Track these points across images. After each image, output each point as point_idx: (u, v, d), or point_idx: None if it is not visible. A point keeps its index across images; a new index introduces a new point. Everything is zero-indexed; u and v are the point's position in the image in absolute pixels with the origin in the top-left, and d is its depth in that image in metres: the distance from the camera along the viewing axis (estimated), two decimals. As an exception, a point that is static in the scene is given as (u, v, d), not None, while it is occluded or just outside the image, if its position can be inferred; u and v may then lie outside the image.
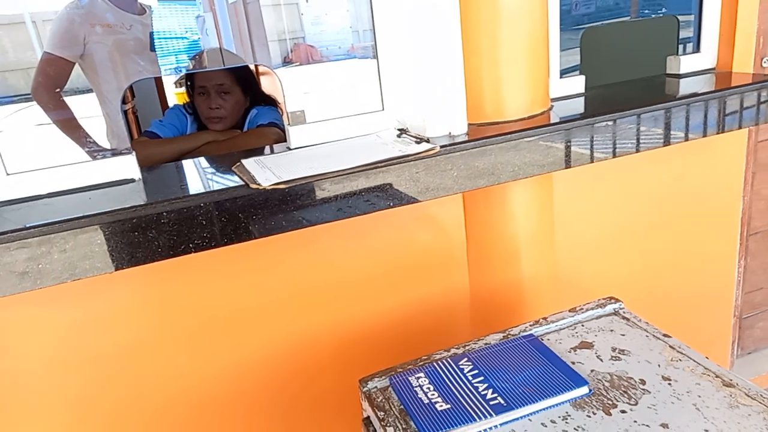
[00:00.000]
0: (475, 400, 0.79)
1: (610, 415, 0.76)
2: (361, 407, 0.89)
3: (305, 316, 1.24)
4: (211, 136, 1.85)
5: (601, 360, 0.87)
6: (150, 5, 2.12)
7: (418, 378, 0.86)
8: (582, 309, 1.01)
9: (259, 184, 0.97)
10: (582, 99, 1.41)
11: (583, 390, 0.80)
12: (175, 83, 2.82)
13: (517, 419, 0.77)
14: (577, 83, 1.43)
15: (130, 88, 2.61)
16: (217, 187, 1.01)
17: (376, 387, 0.87)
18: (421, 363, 0.90)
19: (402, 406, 0.82)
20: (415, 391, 0.83)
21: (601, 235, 1.51)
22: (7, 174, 1.03)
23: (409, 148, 1.09)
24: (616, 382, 0.82)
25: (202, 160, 1.26)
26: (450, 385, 0.84)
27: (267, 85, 2.16)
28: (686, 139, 1.33)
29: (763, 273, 2.00)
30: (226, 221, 0.97)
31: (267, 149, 1.26)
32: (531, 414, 0.77)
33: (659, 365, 0.85)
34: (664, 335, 0.92)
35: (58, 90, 1.92)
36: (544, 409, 0.78)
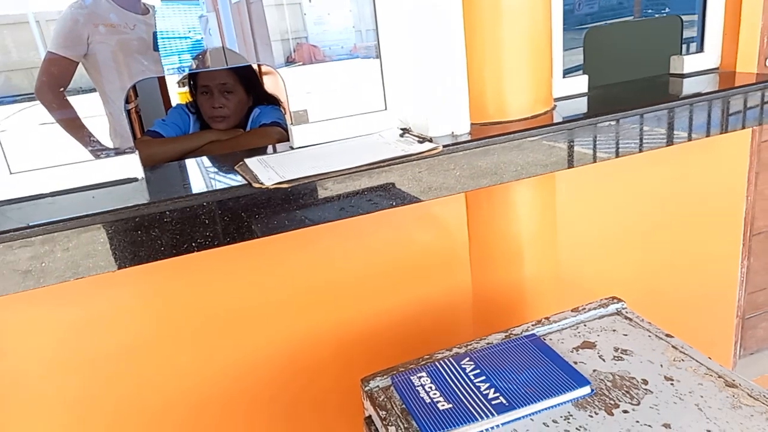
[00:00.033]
0: (477, 399, 0.79)
1: (612, 415, 0.76)
2: (362, 406, 0.89)
3: (307, 315, 1.25)
4: (214, 135, 1.85)
5: (604, 360, 0.87)
6: (153, 5, 2.13)
7: (420, 377, 0.86)
8: (584, 309, 1.01)
9: (262, 184, 0.97)
10: (585, 99, 1.40)
11: (585, 390, 0.80)
12: (178, 83, 2.82)
13: (518, 419, 0.77)
14: (580, 83, 1.43)
15: (134, 87, 2.61)
16: (219, 186, 1.01)
17: (378, 386, 0.87)
18: (423, 362, 0.90)
19: (404, 406, 0.82)
20: (417, 391, 0.83)
21: (603, 234, 1.51)
22: (11, 173, 1.03)
23: (412, 148, 1.09)
24: (619, 382, 0.82)
25: (205, 160, 1.26)
26: (452, 384, 0.84)
27: (270, 84, 2.17)
28: (689, 139, 1.33)
29: (766, 273, 1.99)
30: (228, 220, 0.97)
31: (270, 149, 1.26)
32: (533, 414, 0.77)
33: (662, 365, 0.85)
34: (667, 335, 0.92)
35: (61, 89, 1.93)
36: (546, 408, 0.78)
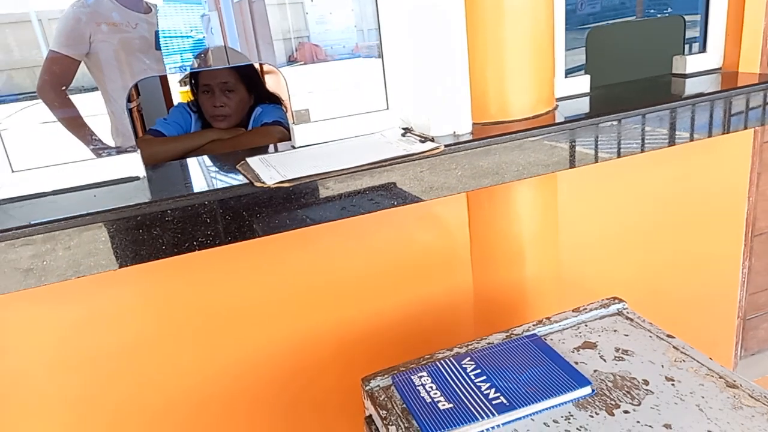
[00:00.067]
0: (477, 399, 0.79)
1: (613, 415, 0.76)
2: (363, 406, 0.89)
3: (308, 314, 1.25)
4: (216, 134, 1.85)
5: (605, 360, 0.87)
6: (155, 4, 2.13)
7: (421, 377, 0.86)
8: (585, 309, 1.00)
9: (263, 183, 0.97)
10: (587, 98, 1.40)
11: (586, 390, 0.80)
12: (180, 81, 2.82)
13: (519, 419, 0.77)
14: (582, 83, 1.43)
15: (136, 86, 2.62)
16: (221, 185, 1.01)
17: (378, 386, 0.87)
18: (424, 362, 0.90)
19: (404, 405, 0.82)
20: (418, 390, 0.83)
21: (605, 235, 1.51)
22: (13, 171, 1.04)
23: (414, 147, 1.09)
24: (619, 382, 0.82)
25: (207, 159, 1.26)
26: (452, 384, 0.84)
27: (272, 83, 2.17)
28: (691, 139, 1.32)
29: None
30: (230, 219, 0.97)
31: (271, 148, 1.26)
32: (533, 414, 0.77)
33: (663, 366, 0.84)
34: (668, 336, 0.91)
35: (63, 88, 1.93)
36: (546, 408, 0.78)
